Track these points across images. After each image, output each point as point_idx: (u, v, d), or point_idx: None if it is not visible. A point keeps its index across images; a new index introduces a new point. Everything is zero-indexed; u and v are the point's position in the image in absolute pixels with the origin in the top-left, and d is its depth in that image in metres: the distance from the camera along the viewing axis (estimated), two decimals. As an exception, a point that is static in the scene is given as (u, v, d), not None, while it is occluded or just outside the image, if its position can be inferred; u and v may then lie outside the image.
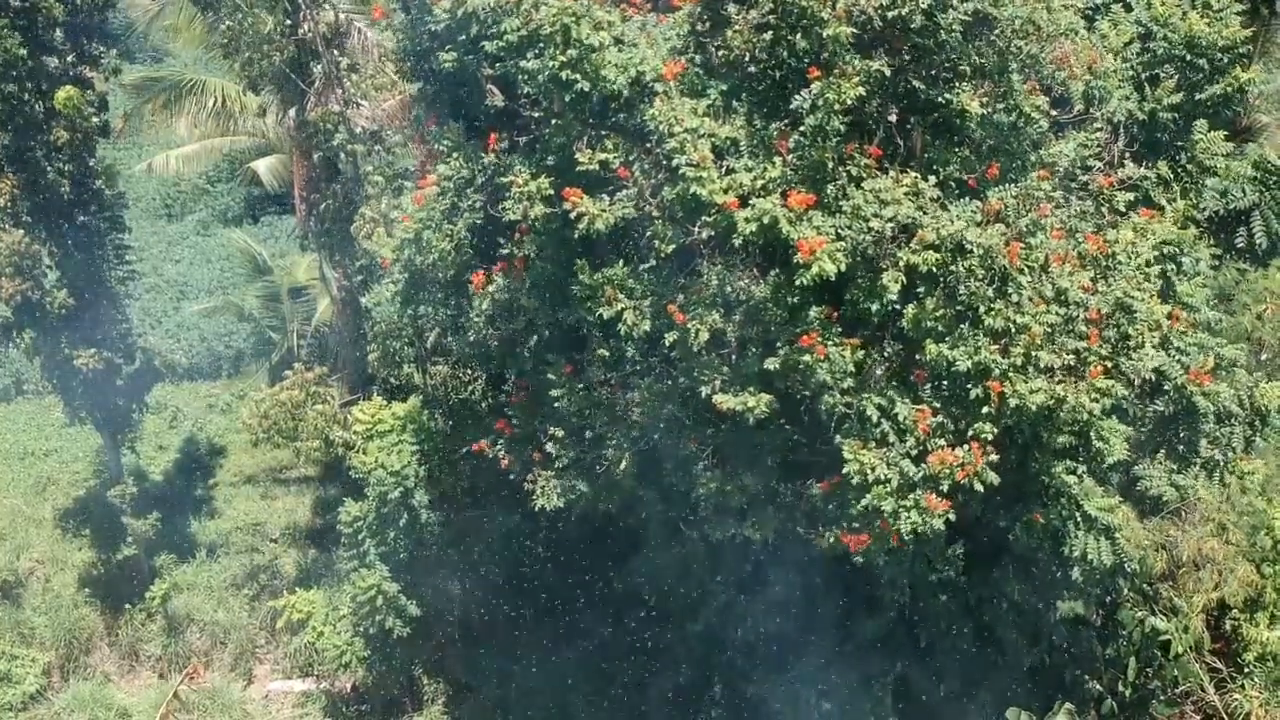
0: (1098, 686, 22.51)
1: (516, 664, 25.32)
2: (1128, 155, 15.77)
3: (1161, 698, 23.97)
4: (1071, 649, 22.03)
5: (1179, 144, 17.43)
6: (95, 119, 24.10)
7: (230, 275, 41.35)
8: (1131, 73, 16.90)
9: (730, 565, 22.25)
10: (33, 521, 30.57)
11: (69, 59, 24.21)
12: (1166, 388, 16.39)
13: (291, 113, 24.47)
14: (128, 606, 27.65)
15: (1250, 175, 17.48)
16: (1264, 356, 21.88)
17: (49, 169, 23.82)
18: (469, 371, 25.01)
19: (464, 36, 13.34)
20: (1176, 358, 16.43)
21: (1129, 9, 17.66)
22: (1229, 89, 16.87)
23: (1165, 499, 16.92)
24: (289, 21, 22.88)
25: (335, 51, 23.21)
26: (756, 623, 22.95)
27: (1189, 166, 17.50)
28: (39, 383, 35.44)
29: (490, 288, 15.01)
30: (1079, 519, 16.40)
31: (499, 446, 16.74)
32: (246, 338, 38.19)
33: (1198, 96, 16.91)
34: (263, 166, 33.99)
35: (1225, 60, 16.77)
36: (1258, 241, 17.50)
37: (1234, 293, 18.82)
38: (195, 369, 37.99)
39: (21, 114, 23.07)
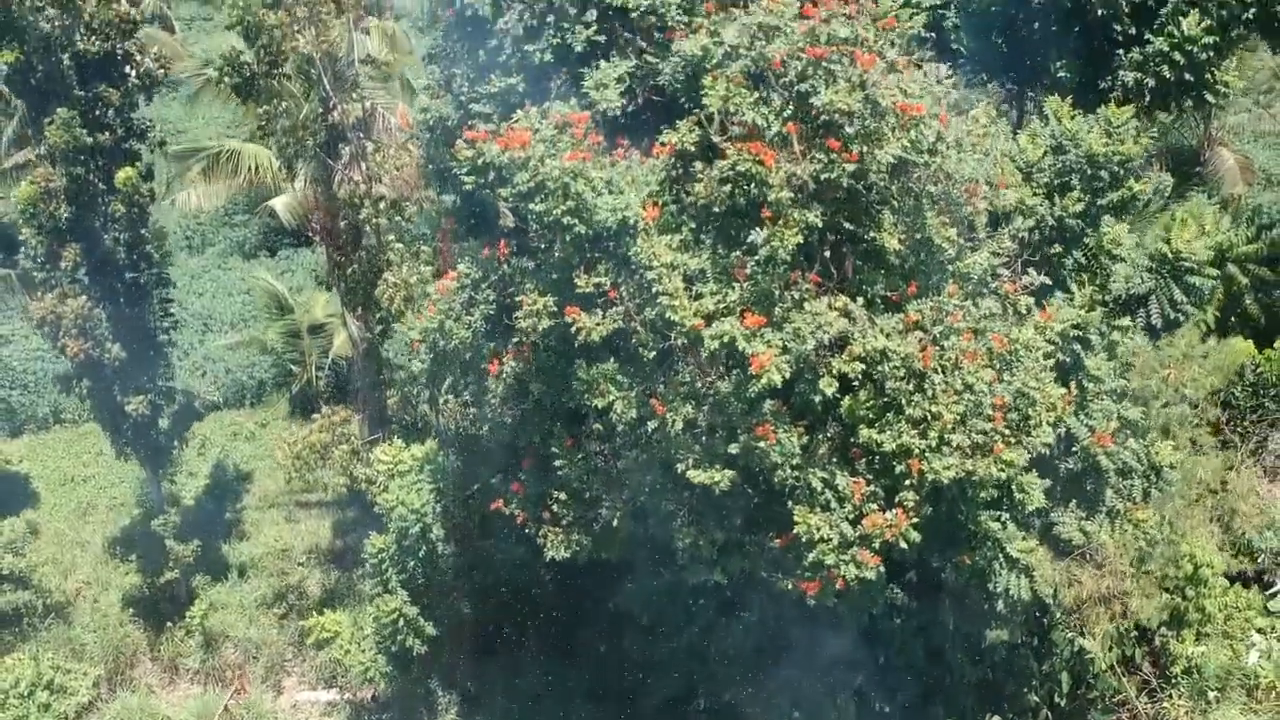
0: (1035, 698, 25.50)
1: (522, 676, 28.06)
2: (1030, 268, 18.72)
3: (1099, 707, 26.98)
4: (1011, 666, 24.96)
5: (1088, 236, 20.38)
6: (148, 190, 26.90)
7: (251, 308, 43.98)
8: (1046, 179, 19.94)
9: (712, 591, 25.05)
10: (77, 545, 33.31)
11: (119, 133, 27.06)
12: (1075, 449, 19.49)
13: (319, 188, 27.31)
14: (168, 624, 30.39)
15: (1147, 265, 20.51)
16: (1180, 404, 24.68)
17: (106, 237, 26.67)
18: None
19: (482, 180, 16.28)
20: (1085, 422, 19.53)
21: (1046, 121, 20.69)
22: (1125, 196, 19.86)
23: (1074, 542, 19.92)
24: (321, 110, 25.73)
25: (361, 135, 26.11)
26: (735, 640, 25.84)
27: (1099, 256, 20.49)
28: (76, 411, 38.31)
29: (503, 373, 17.94)
30: (1003, 559, 19.37)
31: (514, 504, 19.63)
32: (268, 369, 40.80)
33: (1100, 202, 19.87)
34: (280, 204, 36.41)
35: (1122, 172, 19.77)
36: (1154, 321, 20.54)
37: (1141, 365, 21.73)
38: (221, 396, 40.75)
39: (85, 191, 25.93)
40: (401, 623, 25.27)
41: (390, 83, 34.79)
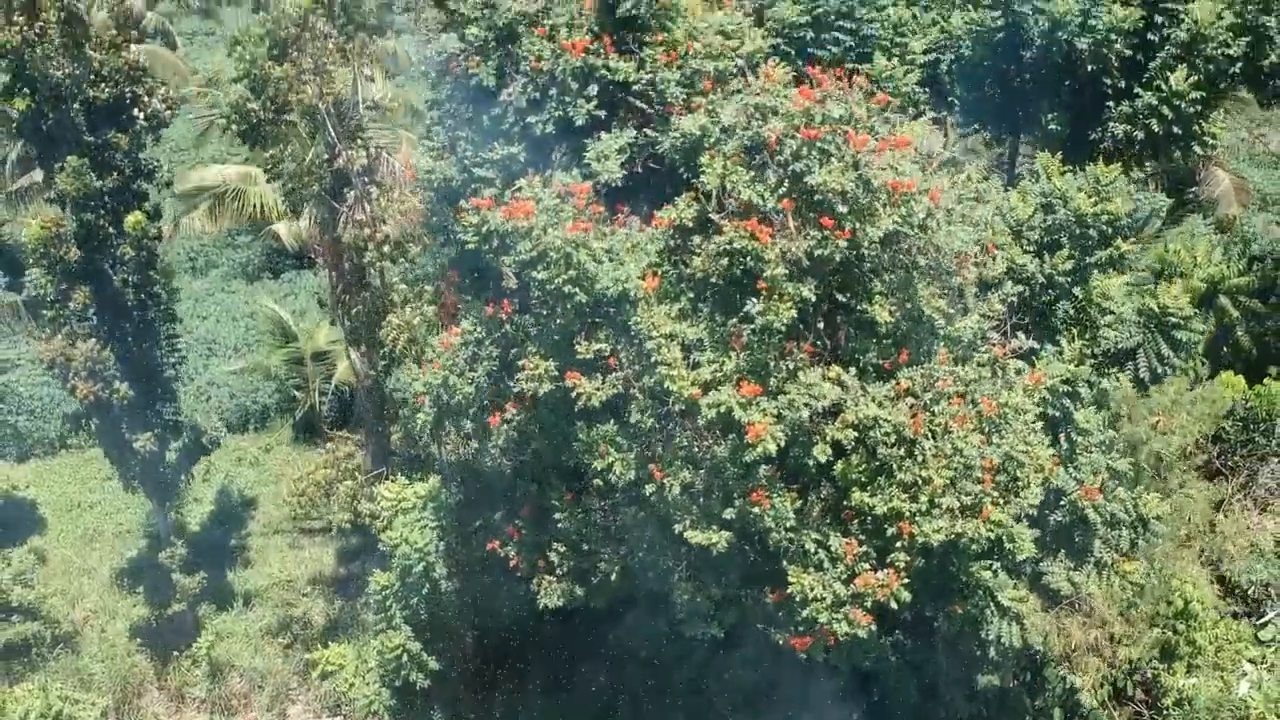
0: (1027, 733, 25.98)
1: (524, 708, 28.52)
2: (1019, 331, 19.18)
3: (1091, 738, 27.44)
4: (1004, 703, 25.40)
5: (1077, 290, 20.84)
6: (155, 232, 27.34)
7: (255, 332, 44.44)
8: (1036, 237, 20.41)
9: (712, 626, 25.57)
10: (84, 573, 33.73)
11: (128, 174, 27.50)
12: (1063, 502, 19.97)
13: (324, 230, 27.77)
14: (175, 654, 30.83)
15: (1135, 320, 20.98)
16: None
17: (114, 278, 27.11)
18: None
19: (486, 246, 16.74)
20: (1073, 475, 20.00)
21: (1036, 177, 21.17)
22: (1114, 255, 20.33)
23: (1063, 593, 20.37)
24: (326, 156, 26.19)
25: (366, 179, 26.55)
26: (734, 676, 26.26)
27: (1089, 309, 20.94)
28: (83, 437, 38.70)
29: (504, 426, 18.39)
30: (994, 608, 19.82)
31: (509, 548, 20.08)
32: (272, 395, 41.25)
33: (1089, 260, 20.34)
34: (283, 228, 36.83)
35: (1111, 231, 20.25)
36: (1142, 375, 21.02)
37: (1130, 411, 22.21)
38: (225, 424, 41.10)
39: (94, 235, 26.38)
40: (405, 658, 25.70)
41: (393, 114, 35.23)
